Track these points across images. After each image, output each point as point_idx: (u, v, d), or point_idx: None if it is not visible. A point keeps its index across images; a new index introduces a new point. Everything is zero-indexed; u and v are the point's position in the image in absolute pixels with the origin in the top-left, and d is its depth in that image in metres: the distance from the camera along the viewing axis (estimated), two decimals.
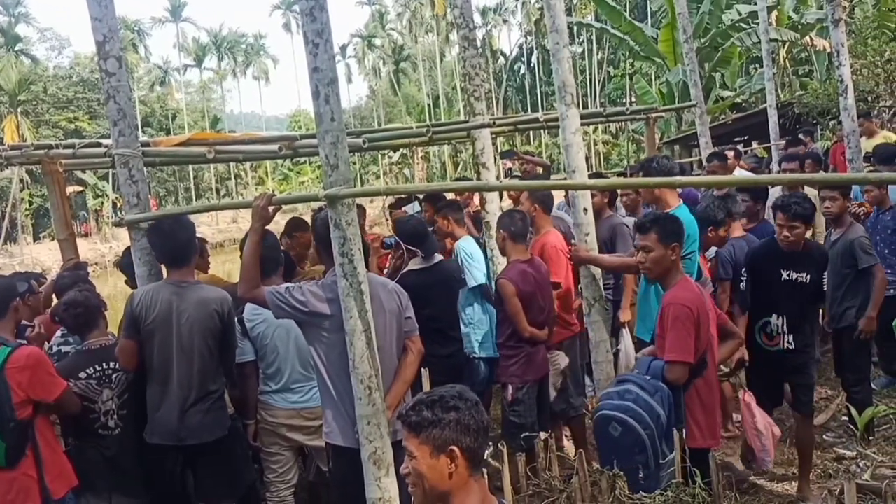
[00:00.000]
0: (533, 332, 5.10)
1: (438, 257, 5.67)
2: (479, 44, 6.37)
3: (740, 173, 8.60)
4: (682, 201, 5.40)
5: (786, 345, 4.97)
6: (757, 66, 24.05)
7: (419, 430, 2.14)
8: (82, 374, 4.18)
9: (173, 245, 4.27)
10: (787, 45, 22.31)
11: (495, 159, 6.87)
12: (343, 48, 77.17)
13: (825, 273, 5.09)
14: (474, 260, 5.81)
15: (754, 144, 17.99)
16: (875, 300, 5.66)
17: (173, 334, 4.16)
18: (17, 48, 56.14)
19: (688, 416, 3.90)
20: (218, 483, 4.33)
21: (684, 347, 3.77)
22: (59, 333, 4.82)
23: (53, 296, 5.42)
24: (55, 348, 4.74)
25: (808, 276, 4.96)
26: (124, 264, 5.05)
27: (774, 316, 4.99)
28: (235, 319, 4.55)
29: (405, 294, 4.08)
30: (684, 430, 3.86)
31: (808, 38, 20.61)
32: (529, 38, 65.62)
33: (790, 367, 5.03)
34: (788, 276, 4.99)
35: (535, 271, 5.19)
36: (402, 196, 8.80)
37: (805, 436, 5.12)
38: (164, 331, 4.16)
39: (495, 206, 6.11)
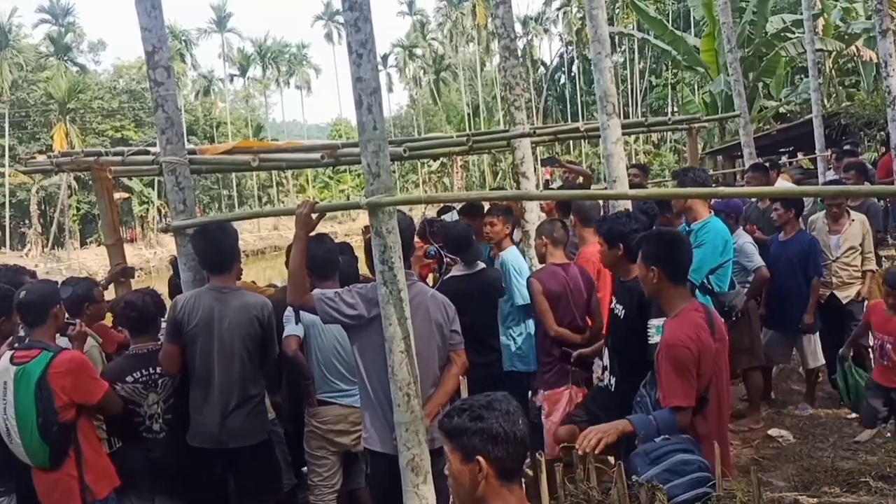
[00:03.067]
0: (560, 331, 5.09)
1: (480, 265, 5.66)
2: (519, 53, 6.38)
3: (781, 185, 8.48)
4: (712, 213, 5.35)
5: (608, 381, 4.51)
6: (802, 76, 23.70)
7: (451, 437, 2.16)
8: (129, 378, 4.26)
9: (216, 251, 4.34)
10: (833, 55, 21.97)
11: (535, 169, 6.87)
12: (384, 58, 77.70)
13: (645, 317, 4.23)
14: (522, 276, 5.69)
15: (799, 155, 17.73)
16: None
17: (214, 339, 4.22)
18: (66, 57, 57.51)
19: None
20: (257, 486, 4.37)
21: (685, 392, 3.49)
22: None
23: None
24: None
25: (623, 311, 4.40)
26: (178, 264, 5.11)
27: (606, 348, 4.58)
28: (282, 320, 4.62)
29: (453, 307, 4.08)
30: None
31: (854, 47, 20.27)
32: (570, 47, 65.40)
33: (611, 406, 4.24)
34: (614, 305, 4.51)
35: (567, 275, 5.19)
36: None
37: None
38: (206, 336, 4.22)
39: (535, 216, 6.10)
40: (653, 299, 3.92)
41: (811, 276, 6.42)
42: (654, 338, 4.27)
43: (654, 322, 4.29)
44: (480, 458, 2.11)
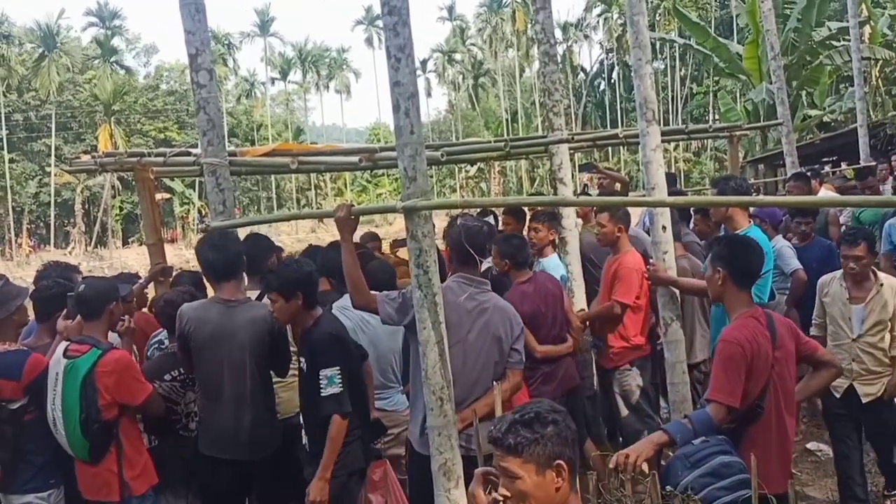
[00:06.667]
0: (545, 349, 5.00)
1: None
2: (559, 59, 6.36)
3: (824, 194, 8.36)
4: (752, 222, 5.29)
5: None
6: (847, 84, 23.27)
7: (520, 450, 2.13)
8: (167, 376, 4.31)
9: (225, 260, 4.23)
10: (879, 64, 21.53)
11: (573, 175, 6.83)
12: (423, 63, 78.03)
13: (317, 367, 3.89)
14: None
15: (843, 165, 17.43)
16: None
17: (224, 355, 4.13)
18: (112, 59, 58.67)
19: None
20: (281, 485, 4.35)
21: (731, 390, 3.41)
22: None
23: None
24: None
25: (306, 364, 4.03)
26: None
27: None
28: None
29: (520, 325, 4.03)
30: None
31: None
32: (610, 54, 65.14)
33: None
34: (300, 359, 4.19)
35: (535, 289, 5.08)
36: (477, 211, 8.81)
37: None
38: (214, 350, 4.13)
39: (571, 223, 6.07)
40: (715, 302, 3.84)
41: None
42: (327, 389, 3.84)
43: (326, 372, 3.86)
44: (562, 462, 2.13)
